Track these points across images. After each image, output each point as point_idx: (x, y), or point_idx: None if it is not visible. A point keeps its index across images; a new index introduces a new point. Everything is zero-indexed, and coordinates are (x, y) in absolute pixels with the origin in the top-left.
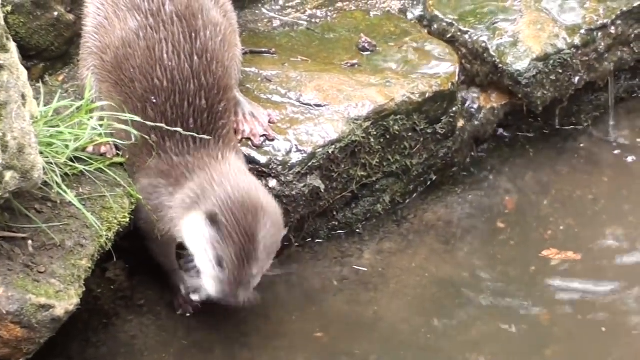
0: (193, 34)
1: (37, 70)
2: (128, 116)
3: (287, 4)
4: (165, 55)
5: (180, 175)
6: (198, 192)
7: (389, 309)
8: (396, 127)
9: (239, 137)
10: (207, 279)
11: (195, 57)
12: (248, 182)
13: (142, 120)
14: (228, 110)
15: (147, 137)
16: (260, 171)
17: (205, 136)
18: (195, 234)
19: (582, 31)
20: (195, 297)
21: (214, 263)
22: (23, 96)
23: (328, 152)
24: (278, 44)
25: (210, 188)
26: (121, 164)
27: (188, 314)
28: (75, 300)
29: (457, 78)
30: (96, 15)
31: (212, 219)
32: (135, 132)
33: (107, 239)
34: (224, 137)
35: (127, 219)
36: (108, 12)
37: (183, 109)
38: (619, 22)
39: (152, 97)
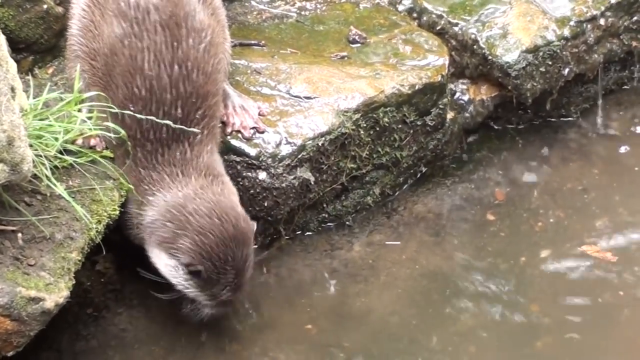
0: (175, 43)
1: (26, 62)
2: (110, 110)
3: None
4: (146, 65)
5: (144, 191)
6: (169, 225)
7: (379, 301)
8: (386, 119)
9: (229, 130)
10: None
11: (176, 67)
12: (221, 207)
13: (121, 122)
14: (208, 116)
15: (125, 142)
16: (250, 164)
17: (176, 140)
18: (171, 274)
19: (572, 23)
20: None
21: (204, 295)
22: (12, 89)
23: (318, 144)
24: (267, 36)
25: (183, 224)
26: (111, 157)
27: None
28: (65, 293)
29: (446, 70)
30: (81, 17)
31: (192, 272)
32: (121, 130)
33: (96, 231)
34: (196, 145)
35: (117, 212)
36: (95, 16)
37: (157, 117)
38: (608, 13)
39: (130, 105)
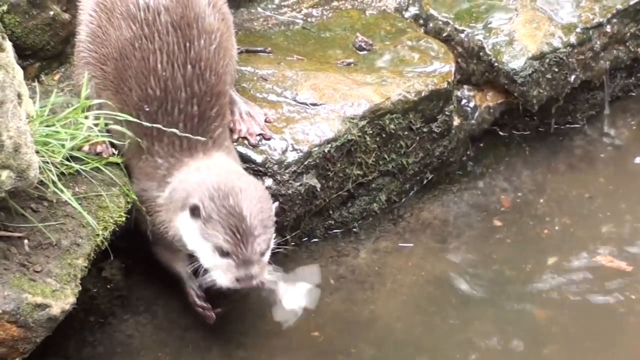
0: (187, 44)
1: (32, 69)
2: (122, 117)
3: (282, 3)
4: (159, 65)
5: (162, 176)
6: (183, 192)
7: (385, 308)
8: (392, 126)
9: (235, 137)
10: (216, 272)
11: (189, 66)
12: (225, 169)
13: (136, 123)
14: (221, 114)
15: (139, 141)
16: (257, 170)
17: (195, 136)
18: (188, 232)
19: (578, 30)
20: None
21: (215, 254)
22: (19, 95)
23: (324, 151)
24: (274, 42)
25: (192, 185)
26: (117, 164)
27: (210, 320)
28: (72, 300)
29: (452, 77)
30: (89, 23)
31: (193, 212)
32: (130, 134)
33: (103, 238)
34: (216, 138)
35: (123, 218)
36: (102, 21)
37: (173, 115)
38: (614, 20)
39: (145, 106)
